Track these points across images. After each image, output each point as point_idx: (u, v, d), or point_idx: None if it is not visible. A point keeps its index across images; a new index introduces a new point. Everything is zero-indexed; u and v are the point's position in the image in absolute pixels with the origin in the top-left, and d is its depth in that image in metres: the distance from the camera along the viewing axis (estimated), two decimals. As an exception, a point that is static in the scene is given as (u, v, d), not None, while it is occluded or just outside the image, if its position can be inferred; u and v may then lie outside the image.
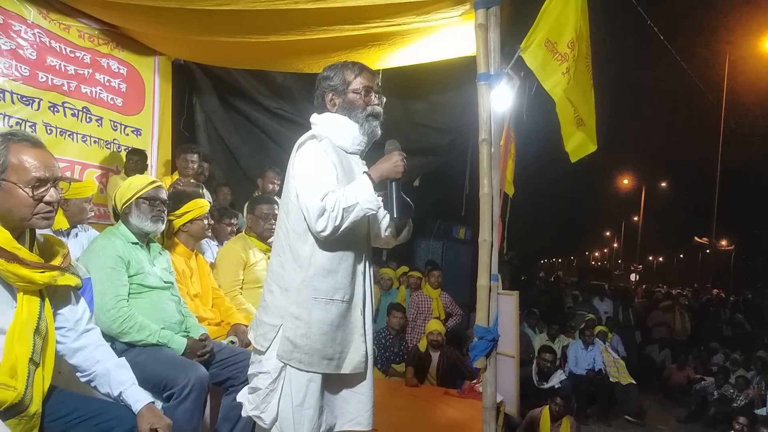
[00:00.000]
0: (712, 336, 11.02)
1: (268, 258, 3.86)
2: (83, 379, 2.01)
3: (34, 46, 4.23)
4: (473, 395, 4.46)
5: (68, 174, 4.44)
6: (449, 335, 6.01)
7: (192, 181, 4.83)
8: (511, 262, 9.76)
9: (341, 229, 1.93)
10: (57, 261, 1.82)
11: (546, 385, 6.51)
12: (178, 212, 3.26)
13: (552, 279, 20.44)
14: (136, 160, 4.72)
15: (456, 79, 5.18)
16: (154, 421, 1.90)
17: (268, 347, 2.03)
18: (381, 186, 2.01)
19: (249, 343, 2.27)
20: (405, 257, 8.00)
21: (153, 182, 2.88)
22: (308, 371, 1.99)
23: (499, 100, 3.44)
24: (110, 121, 4.92)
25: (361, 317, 2.11)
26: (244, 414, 2.13)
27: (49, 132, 4.35)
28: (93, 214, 3.74)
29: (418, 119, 6.15)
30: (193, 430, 2.45)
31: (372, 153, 2.23)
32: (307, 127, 2.19)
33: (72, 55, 4.54)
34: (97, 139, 4.79)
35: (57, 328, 1.90)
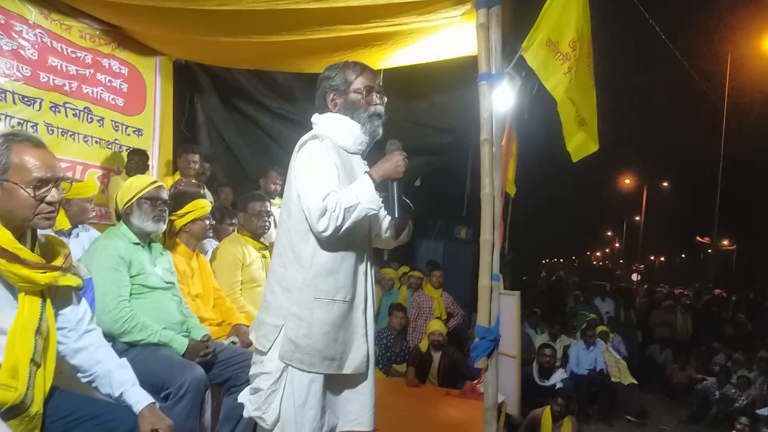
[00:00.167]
0: (713, 336, 11.01)
1: (263, 256, 3.86)
2: (84, 380, 2.01)
3: (36, 46, 4.23)
4: (474, 395, 4.46)
5: (69, 174, 4.43)
6: (450, 335, 6.01)
7: (193, 181, 4.83)
8: (513, 262, 9.74)
9: (343, 229, 1.93)
10: (58, 261, 1.82)
11: (547, 383, 6.51)
12: (179, 212, 3.25)
13: (553, 279, 20.48)
14: (138, 161, 4.71)
15: (457, 78, 5.17)
16: (156, 421, 1.90)
17: (270, 348, 2.02)
18: (382, 186, 2.01)
19: (250, 344, 2.27)
20: (406, 257, 7.99)
21: (154, 182, 2.89)
22: (310, 372, 1.99)
23: (500, 99, 3.44)
24: (111, 121, 4.92)
25: (362, 317, 2.11)
26: (245, 415, 2.13)
27: (50, 132, 4.35)
28: (94, 214, 3.74)
29: (420, 119, 6.15)
30: (190, 431, 2.45)
31: (373, 153, 2.23)
32: (308, 127, 2.19)
33: (73, 55, 4.54)
34: (98, 140, 4.79)
35: (58, 329, 1.89)
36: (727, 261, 33.53)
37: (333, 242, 1.99)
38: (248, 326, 3.11)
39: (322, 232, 1.92)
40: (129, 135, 5.09)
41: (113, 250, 2.65)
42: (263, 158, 6.14)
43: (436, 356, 5.45)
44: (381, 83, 2.22)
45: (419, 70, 4.71)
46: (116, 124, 4.97)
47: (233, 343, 3.15)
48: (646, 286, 23.82)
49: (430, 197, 7.91)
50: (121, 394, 1.95)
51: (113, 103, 4.92)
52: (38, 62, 4.25)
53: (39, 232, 1.86)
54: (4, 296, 1.73)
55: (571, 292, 14.59)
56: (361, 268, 2.13)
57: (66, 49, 4.48)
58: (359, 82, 2.14)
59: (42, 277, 1.74)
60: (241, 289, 3.71)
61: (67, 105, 4.48)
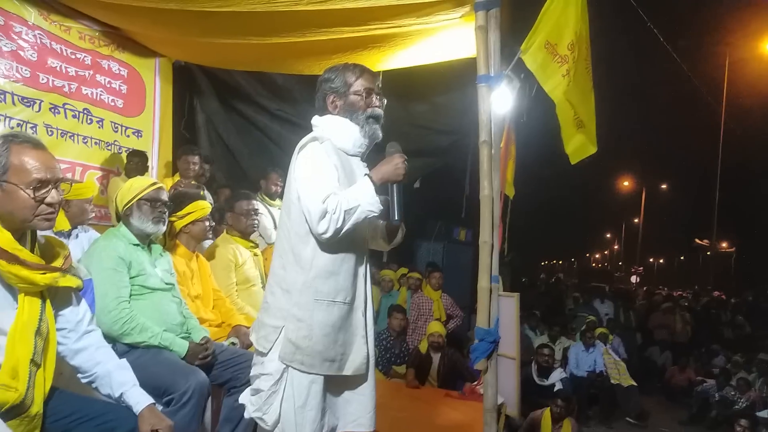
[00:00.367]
0: (713, 338, 11.01)
1: (254, 255, 3.86)
2: (84, 380, 2.01)
3: (35, 47, 4.23)
4: (474, 397, 4.46)
5: (69, 175, 4.43)
6: (450, 337, 6.01)
7: (193, 182, 4.83)
8: (512, 264, 9.74)
9: (343, 232, 1.93)
10: (58, 262, 1.82)
11: (546, 383, 6.51)
12: (179, 213, 3.25)
13: (553, 281, 20.46)
14: (137, 162, 4.71)
15: (456, 80, 5.18)
16: (155, 422, 1.90)
17: (270, 349, 2.03)
18: (382, 189, 2.01)
19: (250, 345, 2.27)
20: (405, 259, 7.99)
21: (154, 184, 2.89)
22: (310, 373, 1.99)
23: (499, 101, 3.45)
24: (111, 122, 4.92)
25: (362, 319, 2.12)
26: (246, 416, 2.13)
27: (49, 133, 4.35)
28: (94, 215, 3.74)
29: (419, 121, 6.15)
30: (191, 436, 2.45)
31: (373, 155, 2.23)
32: (307, 128, 2.20)
33: (73, 56, 4.54)
34: (97, 141, 4.79)
35: (58, 330, 1.90)
36: (726, 263, 33.55)
37: (333, 244, 2.00)
38: (248, 327, 3.11)
39: (322, 234, 1.92)
40: (128, 136, 5.09)
41: (113, 251, 2.65)
42: (262, 160, 6.14)
43: (436, 358, 5.45)
44: (380, 85, 2.22)
45: (418, 72, 4.71)
46: (116, 125, 4.97)
47: (233, 344, 3.15)
48: (645, 288, 23.83)
49: (429, 199, 7.91)
50: (121, 395, 1.95)
51: (113, 104, 4.92)
52: (38, 63, 4.25)
53: (39, 233, 1.86)
54: (4, 297, 1.73)
55: (571, 293, 14.60)
56: (361, 269, 2.13)
57: (65, 50, 4.48)
58: (359, 85, 2.14)
59: (42, 278, 1.74)
60: (236, 290, 3.70)
61: (66, 106, 4.48)
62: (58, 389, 1.90)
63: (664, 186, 40.50)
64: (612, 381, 7.37)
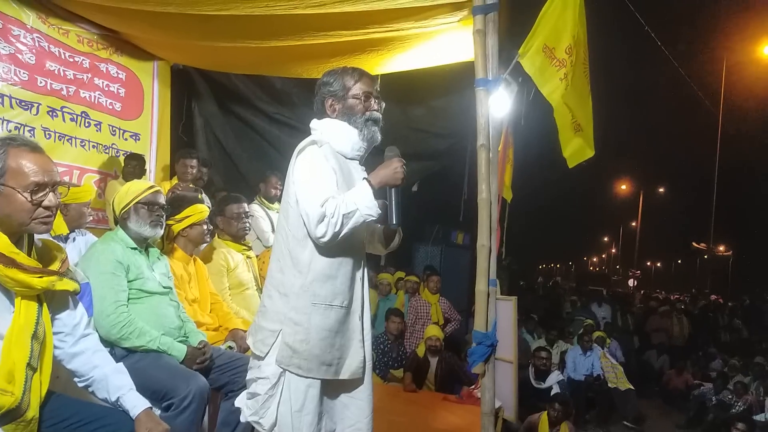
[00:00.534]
0: (710, 341, 11.02)
1: (246, 257, 3.83)
2: (81, 384, 2.00)
3: (33, 50, 4.23)
4: (472, 401, 4.46)
5: (66, 179, 4.43)
6: (448, 341, 6.01)
7: (191, 186, 4.83)
8: (510, 268, 9.77)
9: (341, 235, 1.93)
10: (55, 266, 1.82)
11: (543, 386, 6.51)
12: (177, 217, 3.24)
13: (550, 284, 20.50)
14: (135, 165, 4.71)
15: (454, 84, 5.20)
16: (152, 426, 1.89)
17: (267, 353, 2.02)
18: (380, 192, 2.01)
19: (247, 348, 2.27)
20: (403, 262, 7.99)
21: (151, 187, 2.88)
22: (307, 377, 1.99)
23: (497, 105, 3.45)
24: (109, 125, 4.91)
25: (359, 323, 2.11)
26: (242, 419, 2.13)
27: (47, 137, 4.35)
28: (91, 218, 3.74)
29: (417, 124, 6.17)
30: (191, 440, 2.44)
31: (371, 158, 2.23)
32: (305, 132, 2.20)
33: (71, 59, 4.54)
34: (95, 144, 4.79)
35: (55, 333, 1.89)
36: (724, 266, 33.62)
37: (331, 248, 2.00)
38: (245, 331, 3.10)
39: (321, 237, 1.92)
40: (126, 139, 5.09)
41: (111, 255, 2.64)
42: (261, 163, 6.14)
43: (433, 361, 5.44)
44: (378, 88, 2.23)
45: (416, 75, 4.72)
46: (113, 128, 4.97)
47: (230, 347, 3.14)
48: (642, 291, 23.87)
49: (427, 202, 7.92)
50: (118, 399, 1.95)
51: (111, 107, 4.92)
52: (36, 66, 4.25)
53: (36, 236, 1.86)
54: (1, 301, 1.73)
55: (568, 297, 14.60)
56: (358, 273, 2.13)
57: (63, 53, 4.48)
58: (357, 88, 2.14)
59: (38, 282, 1.74)
60: (230, 295, 3.68)
61: (64, 109, 4.48)
62: (54, 393, 1.90)
63: (661, 189, 40.58)
64: (609, 384, 7.36)
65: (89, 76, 4.70)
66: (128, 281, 2.66)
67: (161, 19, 3.94)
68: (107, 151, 4.90)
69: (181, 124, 5.91)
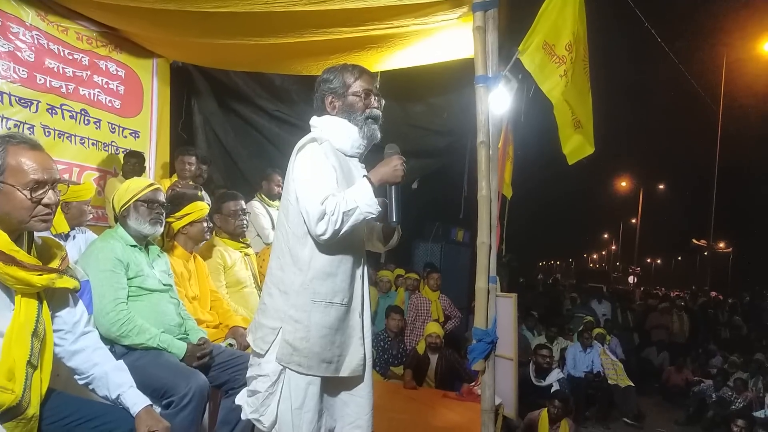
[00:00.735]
0: (710, 338, 11.03)
1: (244, 255, 3.82)
2: (81, 382, 2.01)
3: (32, 48, 4.22)
4: (472, 398, 4.46)
5: (66, 176, 4.43)
6: (448, 338, 6.01)
7: (191, 183, 4.83)
8: (510, 265, 9.76)
9: (341, 233, 1.93)
10: (55, 263, 1.82)
11: (544, 383, 6.52)
12: (178, 214, 3.24)
13: (550, 281, 20.49)
14: (134, 163, 4.71)
15: (454, 81, 5.19)
16: (152, 423, 1.90)
17: (268, 350, 2.02)
18: (380, 190, 2.01)
19: (247, 346, 2.27)
20: (403, 259, 7.99)
21: (151, 185, 2.88)
22: (307, 374, 1.99)
23: (497, 102, 3.45)
24: (108, 123, 4.91)
25: (359, 320, 2.11)
26: (243, 417, 2.13)
27: (47, 134, 4.34)
28: (92, 216, 3.74)
29: (417, 121, 6.16)
30: (191, 438, 2.44)
31: (371, 156, 2.23)
32: (305, 129, 2.19)
33: (70, 57, 4.53)
34: (95, 142, 4.78)
35: (55, 331, 1.89)
36: (724, 263, 33.61)
37: (331, 245, 2.00)
38: (245, 328, 3.10)
39: (321, 235, 1.92)
40: (126, 137, 5.09)
41: (110, 252, 2.64)
42: (260, 161, 6.14)
43: (434, 358, 5.45)
44: (378, 86, 2.22)
45: (416, 72, 4.72)
46: (113, 126, 4.96)
47: (230, 345, 3.14)
48: (642, 288, 23.87)
49: (427, 200, 7.91)
50: (118, 396, 1.95)
51: (110, 105, 4.92)
52: (35, 64, 4.24)
53: (36, 234, 1.86)
54: (1, 298, 1.73)
55: (568, 294, 14.61)
56: (358, 271, 2.13)
57: (63, 51, 4.47)
58: (357, 86, 2.14)
59: (38, 280, 1.74)
60: (227, 293, 3.67)
61: (63, 107, 4.48)
62: (54, 391, 1.90)
63: (661, 186, 40.58)
64: (609, 381, 7.37)
65: (88, 73, 4.69)
66: (128, 279, 2.66)
67: (160, 17, 3.94)
68: (107, 148, 4.90)
69: (181, 121, 5.91)
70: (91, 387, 2.00)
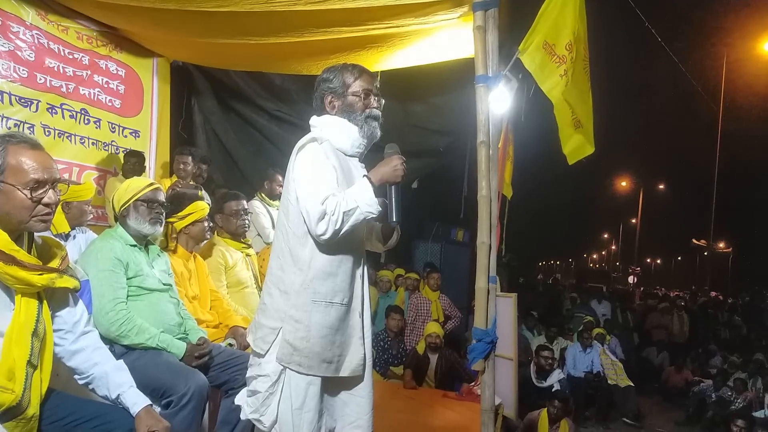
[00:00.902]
0: (710, 338, 11.03)
1: (246, 255, 3.82)
2: (81, 382, 2.00)
3: (33, 47, 4.22)
4: (471, 398, 4.46)
5: (66, 176, 4.43)
6: (448, 337, 6.01)
7: (191, 183, 4.83)
8: (510, 265, 9.77)
9: (341, 233, 1.93)
10: (55, 263, 1.82)
11: (545, 384, 6.52)
12: (180, 214, 3.25)
13: (550, 281, 20.50)
14: (134, 162, 4.71)
15: (454, 81, 5.19)
16: (152, 423, 1.89)
17: (268, 350, 2.02)
18: (380, 190, 2.01)
19: (247, 346, 2.27)
20: (403, 259, 7.99)
21: (151, 184, 2.88)
22: (308, 374, 1.99)
23: (497, 102, 3.45)
24: (108, 122, 4.91)
25: (359, 320, 2.11)
26: (242, 417, 2.13)
27: (47, 134, 4.34)
28: (92, 216, 3.74)
29: (417, 121, 6.15)
30: (191, 438, 2.44)
31: (371, 155, 2.23)
32: (305, 129, 2.19)
33: (70, 56, 4.53)
34: (95, 141, 4.78)
35: (55, 331, 1.89)
36: (723, 263, 33.63)
37: (331, 245, 1.99)
38: (245, 328, 3.10)
39: (321, 235, 1.92)
40: (126, 137, 5.09)
41: (110, 252, 2.64)
42: (260, 160, 6.14)
43: (433, 358, 5.44)
44: (378, 86, 2.22)
45: (416, 72, 4.72)
46: (113, 125, 4.96)
47: (230, 345, 3.14)
48: (642, 288, 23.88)
49: (427, 200, 7.92)
50: (118, 396, 1.95)
51: (110, 104, 4.91)
52: (35, 63, 4.24)
53: (36, 233, 1.86)
54: (1, 298, 1.72)
55: (568, 294, 14.61)
56: (358, 271, 2.13)
57: (63, 50, 4.47)
58: (357, 85, 2.14)
59: (39, 279, 1.74)
60: (228, 293, 3.67)
61: (63, 106, 4.48)
62: (54, 391, 1.90)
63: (661, 186, 40.58)
64: (609, 381, 7.37)
65: (89, 73, 4.69)
66: (128, 278, 2.66)
67: (161, 16, 3.94)
68: (107, 148, 4.89)
69: (181, 121, 5.91)
70: (91, 387, 2.00)
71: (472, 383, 4.73)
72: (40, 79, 4.29)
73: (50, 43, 4.36)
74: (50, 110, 4.37)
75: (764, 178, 27.57)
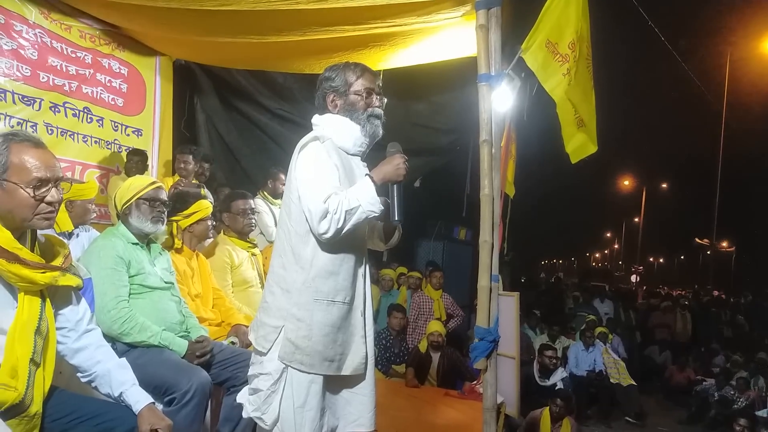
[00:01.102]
0: (712, 337, 11.01)
1: (251, 255, 3.83)
2: (84, 380, 2.01)
3: (36, 46, 4.23)
4: (474, 396, 4.46)
5: (69, 174, 4.44)
6: (450, 336, 6.01)
7: (194, 181, 4.83)
8: (512, 263, 9.75)
9: (343, 232, 1.93)
10: (58, 261, 1.82)
11: (548, 383, 6.52)
12: (185, 213, 3.26)
13: (552, 280, 20.44)
14: (137, 161, 4.72)
15: (457, 79, 5.18)
16: (155, 421, 1.90)
17: (270, 348, 2.02)
18: (382, 189, 2.01)
19: (249, 344, 2.27)
20: (406, 258, 7.99)
21: (153, 183, 2.88)
22: (310, 373, 1.99)
23: (499, 100, 3.44)
24: (111, 121, 4.92)
25: (361, 319, 2.12)
26: (244, 415, 2.13)
27: (50, 132, 4.35)
28: (96, 215, 3.75)
29: (419, 120, 6.15)
30: (194, 435, 2.44)
31: (373, 154, 2.23)
32: (307, 127, 2.19)
33: (73, 55, 4.54)
34: (97, 140, 4.79)
35: (58, 329, 1.90)
36: (726, 262, 33.54)
37: (333, 244, 1.99)
38: (247, 326, 3.10)
39: (323, 234, 1.92)
40: (128, 135, 5.10)
41: (112, 250, 2.65)
42: (263, 159, 6.15)
43: (436, 357, 5.45)
44: (381, 84, 2.22)
45: (419, 71, 4.71)
46: (116, 124, 4.97)
47: (233, 343, 3.14)
48: (645, 287, 23.83)
49: (429, 198, 7.91)
50: (121, 394, 1.95)
51: (113, 103, 4.92)
52: (38, 62, 4.25)
53: (39, 232, 1.86)
54: (4, 296, 1.73)
55: (571, 293, 14.58)
56: (360, 270, 2.13)
57: (66, 49, 4.48)
58: (359, 84, 2.14)
59: (42, 277, 1.74)
60: (233, 292, 3.68)
61: (66, 105, 4.49)
62: (57, 388, 1.90)
63: (664, 185, 40.54)
64: (611, 380, 7.37)
65: (91, 71, 4.70)
66: (129, 276, 2.67)
67: (163, 15, 3.94)
68: (109, 146, 4.91)
69: (183, 119, 5.91)
70: (93, 385, 2.00)
71: (474, 382, 4.73)
72: (43, 78, 4.30)
73: (53, 41, 4.37)
74: (53, 109, 4.38)
75: (767, 176, 27.51)
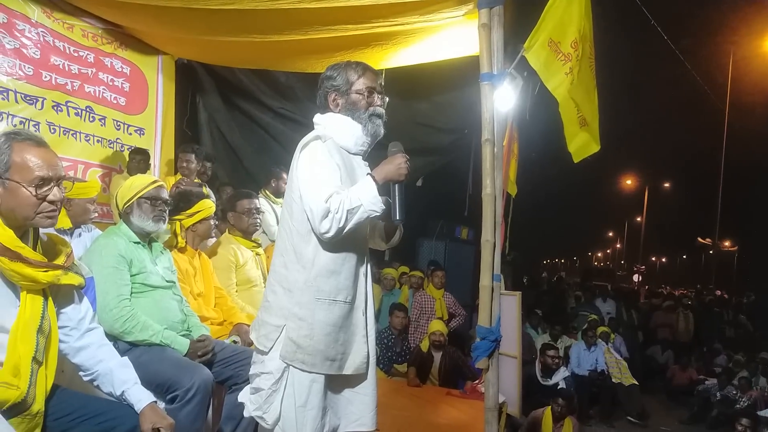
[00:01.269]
0: (715, 337, 11.00)
1: (256, 254, 3.83)
2: (86, 378, 2.01)
3: (38, 45, 4.23)
4: (475, 396, 4.46)
5: (71, 173, 4.45)
6: (452, 335, 6.01)
7: (196, 180, 4.84)
8: (514, 263, 9.74)
9: (345, 231, 1.93)
10: (60, 260, 1.82)
11: (550, 382, 6.52)
12: (189, 212, 3.27)
13: (555, 279, 20.42)
14: (139, 160, 4.72)
15: (459, 79, 5.17)
16: (157, 420, 1.90)
17: (271, 348, 2.02)
18: (384, 188, 2.01)
19: (251, 343, 2.27)
20: (407, 257, 8.00)
21: (155, 182, 2.88)
22: (311, 372, 1.99)
23: (502, 99, 3.43)
24: (113, 120, 4.92)
25: (363, 318, 2.11)
26: (246, 414, 2.13)
27: (52, 131, 4.36)
28: (97, 214, 3.75)
29: (421, 119, 6.15)
30: (196, 433, 2.45)
31: (374, 153, 2.23)
32: (309, 126, 2.19)
33: (75, 54, 4.54)
34: (100, 139, 4.80)
35: (60, 327, 1.90)
36: (729, 262, 33.50)
37: (335, 243, 1.99)
38: (249, 325, 3.11)
39: (325, 233, 1.92)
40: (131, 134, 5.10)
41: (114, 249, 2.65)
42: (265, 158, 6.15)
43: (437, 356, 5.45)
44: (383, 83, 2.22)
45: (421, 70, 4.70)
46: (118, 123, 4.97)
47: (234, 342, 3.15)
48: (647, 286, 23.81)
49: (431, 197, 7.91)
50: (123, 393, 1.95)
51: (115, 102, 4.93)
52: (40, 61, 4.25)
53: (41, 230, 1.86)
54: (6, 295, 1.73)
55: (572, 292, 14.57)
56: (362, 269, 2.13)
57: (68, 48, 4.48)
58: (361, 83, 2.13)
59: (44, 276, 1.74)
60: (236, 291, 3.68)
61: (69, 104, 4.49)
62: (59, 387, 1.91)
63: (666, 185, 40.47)
64: (613, 380, 7.37)
65: (94, 70, 4.70)
66: (131, 275, 2.67)
67: (166, 14, 3.94)
68: (112, 145, 4.91)
69: (186, 118, 5.92)
70: (95, 383, 2.00)
71: (476, 381, 4.73)
72: (46, 77, 4.30)
73: (55, 40, 4.37)
74: (55, 108, 4.39)
75: (770, 176, 27.46)
